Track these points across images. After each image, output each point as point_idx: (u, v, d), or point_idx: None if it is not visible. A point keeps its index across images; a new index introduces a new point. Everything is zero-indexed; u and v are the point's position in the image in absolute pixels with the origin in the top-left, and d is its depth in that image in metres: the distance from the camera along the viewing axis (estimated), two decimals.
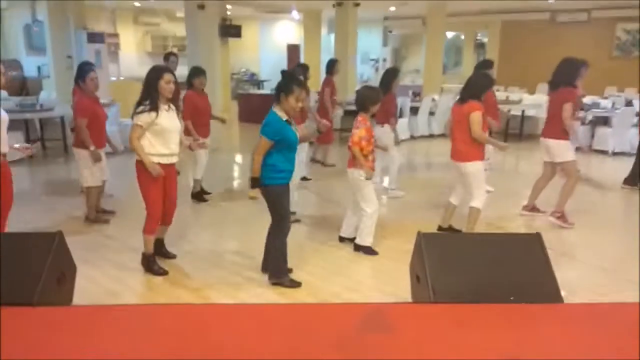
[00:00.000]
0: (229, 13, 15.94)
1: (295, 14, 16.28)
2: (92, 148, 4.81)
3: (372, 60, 18.10)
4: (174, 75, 3.86)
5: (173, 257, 4.27)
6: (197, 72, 5.67)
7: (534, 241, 2.80)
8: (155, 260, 4.02)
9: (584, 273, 4.12)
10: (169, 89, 3.76)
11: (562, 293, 2.60)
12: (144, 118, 3.72)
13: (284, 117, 3.60)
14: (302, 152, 5.76)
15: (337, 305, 2.99)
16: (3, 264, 2.53)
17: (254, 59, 18.45)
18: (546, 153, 5.24)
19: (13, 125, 8.55)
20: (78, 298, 3.01)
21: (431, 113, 10.32)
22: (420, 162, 8.94)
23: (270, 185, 3.64)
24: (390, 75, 5.90)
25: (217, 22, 8.61)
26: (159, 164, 3.80)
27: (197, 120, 5.57)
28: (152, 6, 16.16)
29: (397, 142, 6.05)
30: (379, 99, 4.30)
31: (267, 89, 15.14)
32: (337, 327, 2.27)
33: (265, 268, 3.95)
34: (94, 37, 10.90)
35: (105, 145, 5.10)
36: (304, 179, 6.37)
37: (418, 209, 5.76)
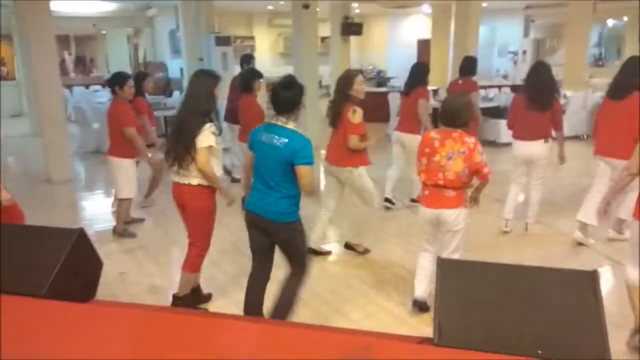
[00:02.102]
0: (357, 11, 15.89)
1: (425, 7, 15.61)
2: (149, 155, 4.77)
3: (511, 52, 16.60)
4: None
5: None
6: (255, 74, 5.45)
7: (586, 280, 2.19)
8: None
9: None
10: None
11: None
12: (214, 137, 3.18)
13: None
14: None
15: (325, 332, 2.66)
16: (18, 254, 2.68)
17: (382, 56, 18.12)
18: None
19: None
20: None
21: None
22: None
23: (297, 221, 3.00)
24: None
25: (316, 22, 8.50)
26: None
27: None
28: (286, 9, 16.80)
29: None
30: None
31: (389, 87, 14.74)
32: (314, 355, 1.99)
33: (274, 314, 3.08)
34: (222, 40, 11.59)
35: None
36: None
37: None
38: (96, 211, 6.07)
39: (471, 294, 2.31)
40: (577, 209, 4.52)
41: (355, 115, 3.96)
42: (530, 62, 16.42)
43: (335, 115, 4.10)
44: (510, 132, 4.76)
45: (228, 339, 2.22)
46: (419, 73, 5.71)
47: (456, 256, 3.32)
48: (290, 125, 2.89)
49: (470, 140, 3.18)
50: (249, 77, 5.46)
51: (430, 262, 3.40)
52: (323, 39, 17.13)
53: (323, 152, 4.37)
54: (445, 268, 2.36)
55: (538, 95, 4.40)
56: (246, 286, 3.12)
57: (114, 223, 5.03)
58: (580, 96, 9.05)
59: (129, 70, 18.05)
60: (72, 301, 2.72)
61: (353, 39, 15.29)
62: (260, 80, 5.44)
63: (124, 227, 4.95)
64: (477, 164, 3.16)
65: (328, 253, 4.48)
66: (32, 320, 2.37)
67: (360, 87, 4.04)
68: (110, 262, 4.35)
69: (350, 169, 4.08)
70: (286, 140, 2.83)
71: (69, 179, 7.01)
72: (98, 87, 13.58)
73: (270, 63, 16.77)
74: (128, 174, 4.72)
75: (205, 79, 3.26)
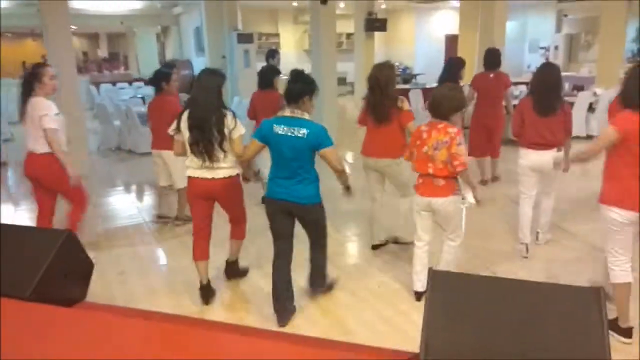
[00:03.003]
0: (383, 6, 15.65)
1: (454, 2, 15.23)
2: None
3: (542, 48, 16.03)
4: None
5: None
6: (276, 71, 5.53)
7: (591, 298, 2.00)
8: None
9: None
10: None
11: None
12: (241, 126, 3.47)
13: None
14: None
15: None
16: (4, 255, 2.65)
17: (409, 52, 17.81)
18: None
19: None
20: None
21: (591, 109, 8.66)
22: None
23: (321, 201, 3.33)
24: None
25: (334, 19, 8.33)
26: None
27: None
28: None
29: None
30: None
31: (413, 84, 14.45)
32: None
33: (313, 283, 3.62)
34: (244, 38, 11.58)
35: None
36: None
37: None
38: (116, 207, 6.12)
39: (464, 309, 2.15)
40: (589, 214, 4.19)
41: (405, 103, 4.07)
42: (563, 58, 15.86)
43: (383, 110, 4.03)
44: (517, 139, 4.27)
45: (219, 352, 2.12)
46: (453, 66, 5.51)
47: (457, 242, 3.52)
48: (306, 116, 3.14)
49: (453, 130, 3.29)
50: (268, 73, 5.45)
51: (426, 252, 3.55)
52: (349, 35, 16.96)
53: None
54: (437, 280, 2.20)
55: (544, 98, 3.99)
56: (273, 268, 3.34)
57: (142, 218, 5.28)
58: (612, 94, 8.62)
59: (157, 67, 18.32)
60: (59, 304, 2.68)
61: (379, 35, 15.06)
62: (279, 76, 5.49)
63: (186, 214, 5.00)
64: (452, 154, 3.25)
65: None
66: (13, 323, 2.33)
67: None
68: (110, 262, 4.34)
69: (398, 161, 4.07)
70: (306, 130, 3.07)
71: (85, 175, 7.05)
72: (125, 84, 13.77)
73: (295, 59, 16.69)
74: (182, 163, 4.83)
75: (213, 77, 3.43)
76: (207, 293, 3.58)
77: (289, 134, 3.09)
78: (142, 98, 10.20)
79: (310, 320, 3.35)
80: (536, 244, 4.43)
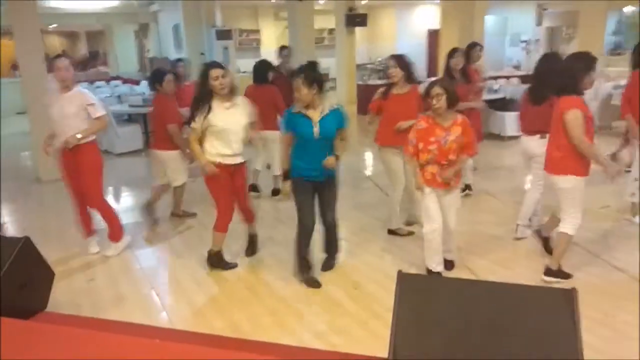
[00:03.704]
0: (363, 2, 15.54)
1: None
2: (187, 151, 4.77)
3: (523, 42, 16.08)
4: (222, 68, 3.73)
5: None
6: (270, 66, 5.64)
7: (563, 299, 1.95)
8: (222, 256, 4.06)
9: None
10: (219, 85, 3.63)
11: None
12: (197, 120, 3.70)
13: (297, 110, 3.52)
14: None
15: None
16: None
17: (391, 48, 17.73)
18: None
19: (135, 119, 9.33)
20: None
21: None
22: None
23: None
24: None
25: (312, 15, 8.23)
26: (220, 164, 3.76)
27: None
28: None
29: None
30: None
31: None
32: None
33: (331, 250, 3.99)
34: (222, 34, 11.43)
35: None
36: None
37: None
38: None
39: (433, 312, 2.08)
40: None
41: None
42: (544, 52, 15.92)
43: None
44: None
45: None
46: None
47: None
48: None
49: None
50: (262, 68, 5.57)
51: (440, 235, 3.65)
52: (331, 30, 16.83)
53: None
54: (406, 283, 2.13)
55: (534, 87, 4.14)
56: (299, 243, 3.70)
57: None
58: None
59: (136, 66, 18.04)
60: (17, 316, 2.56)
61: (361, 30, 14.95)
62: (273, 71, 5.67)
63: (182, 210, 5.35)
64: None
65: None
66: None
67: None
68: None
69: None
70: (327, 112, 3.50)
71: (59, 178, 6.86)
72: (102, 83, 13.50)
73: (276, 56, 16.51)
74: (178, 163, 4.97)
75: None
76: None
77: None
78: (119, 97, 10.00)
79: (283, 325, 3.26)
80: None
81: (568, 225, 3.51)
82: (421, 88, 4.21)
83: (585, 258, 3.99)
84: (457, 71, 5.31)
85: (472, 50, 5.79)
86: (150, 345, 2.17)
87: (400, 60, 4.28)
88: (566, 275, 3.64)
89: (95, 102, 4.11)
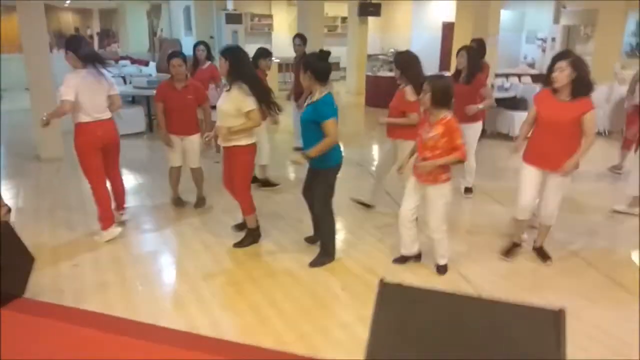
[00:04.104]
0: None
1: None
2: (163, 132, 4.90)
3: (539, 39, 15.76)
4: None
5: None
6: (263, 54, 5.55)
7: (550, 319, 1.84)
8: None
9: None
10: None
11: None
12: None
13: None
14: None
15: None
16: None
17: (406, 39, 17.46)
18: None
19: (138, 101, 9.26)
20: None
21: None
22: None
23: None
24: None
25: (322, 3, 8.06)
26: None
27: None
28: None
29: None
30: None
31: None
32: None
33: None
34: (232, 18, 11.27)
35: (186, 132, 4.95)
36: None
37: None
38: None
39: (412, 326, 1.99)
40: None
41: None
42: (559, 50, 15.57)
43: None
44: None
45: None
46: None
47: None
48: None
49: None
50: (255, 55, 5.58)
51: (408, 220, 3.75)
52: (344, 19, 16.59)
53: None
54: (386, 292, 2.03)
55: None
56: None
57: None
58: (605, 89, 8.43)
59: (146, 46, 17.92)
60: None
61: (375, 20, 14.71)
62: (268, 59, 5.65)
63: (173, 199, 5.30)
64: None
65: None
66: None
67: None
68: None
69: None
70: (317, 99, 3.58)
71: (58, 157, 6.83)
72: (111, 62, 13.40)
73: (289, 42, 16.34)
74: (175, 146, 5.01)
75: None
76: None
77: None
78: (123, 77, 9.92)
79: (267, 325, 3.18)
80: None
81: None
82: None
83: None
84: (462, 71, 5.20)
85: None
86: (117, 342, 2.11)
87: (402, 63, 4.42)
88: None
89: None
